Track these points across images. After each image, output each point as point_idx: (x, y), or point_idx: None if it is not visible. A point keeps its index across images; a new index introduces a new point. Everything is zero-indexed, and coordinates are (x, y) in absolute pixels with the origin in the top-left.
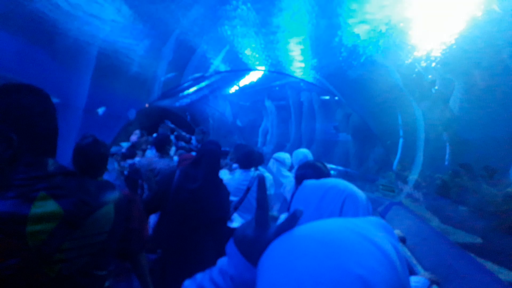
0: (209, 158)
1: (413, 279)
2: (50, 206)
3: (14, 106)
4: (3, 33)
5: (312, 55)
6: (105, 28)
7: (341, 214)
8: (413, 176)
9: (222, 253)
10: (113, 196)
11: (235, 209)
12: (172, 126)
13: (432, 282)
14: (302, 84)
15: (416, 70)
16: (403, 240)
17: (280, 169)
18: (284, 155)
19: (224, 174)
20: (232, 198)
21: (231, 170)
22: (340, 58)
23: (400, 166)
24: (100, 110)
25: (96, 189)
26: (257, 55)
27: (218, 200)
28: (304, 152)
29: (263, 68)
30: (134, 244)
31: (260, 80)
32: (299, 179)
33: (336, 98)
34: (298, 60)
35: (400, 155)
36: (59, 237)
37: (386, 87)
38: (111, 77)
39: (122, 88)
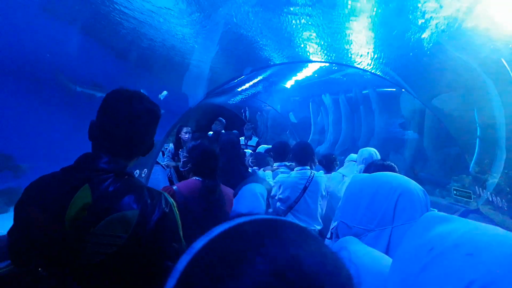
0: (227, 148)
1: None
2: (86, 197)
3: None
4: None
5: (377, 43)
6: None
7: (395, 213)
8: (494, 180)
9: None
10: (144, 202)
11: (290, 209)
12: (254, 126)
13: None
14: (364, 75)
15: (497, 58)
16: None
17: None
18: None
19: (268, 175)
20: (289, 197)
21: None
22: (410, 44)
23: (478, 168)
24: (162, 95)
25: (131, 193)
26: (316, 46)
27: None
28: (370, 151)
29: (322, 59)
30: (168, 257)
31: (317, 72)
32: None
33: (403, 90)
34: (360, 49)
35: (477, 154)
36: (86, 227)
37: (463, 78)
38: (165, 72)
39: (174, 82)
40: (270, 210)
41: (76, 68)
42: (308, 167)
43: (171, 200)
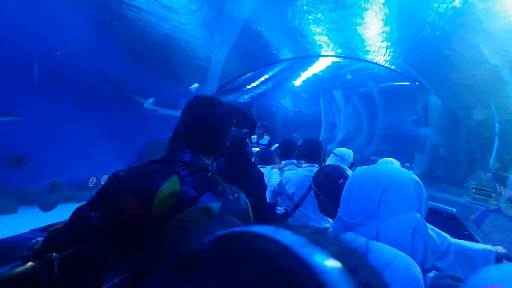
0: (232, 146)
1: (478, 246)
2: (175, 186)
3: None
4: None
5: (391, 36)
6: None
7: (379, 206)
8: None
9: None
10: (226, 197)
11: (297, 206)
12: (266, 124)
13: (502, 255)
14: (377, 70)
15: None
16: (506, 257)
17: (339, 165)
18: (345, 151)
19: (275, 173)
20: (295, 193)
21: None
22: (426, 36)
23: (498, 165)
24: (193, 88)
25: (214, 186)
26: (327, 40)
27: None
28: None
29: (333, 53)
30: None
31: (328, 67)
32: None
33: (417, 83)
34: (374, 43)
35: (496, 151)
36: (172, 213)
37: (481, 72)
38: (176, 68)
39: (185, 78)
40: (280, 208)
41: (87, 65)
42: (316, 164)
43: (246, 198)
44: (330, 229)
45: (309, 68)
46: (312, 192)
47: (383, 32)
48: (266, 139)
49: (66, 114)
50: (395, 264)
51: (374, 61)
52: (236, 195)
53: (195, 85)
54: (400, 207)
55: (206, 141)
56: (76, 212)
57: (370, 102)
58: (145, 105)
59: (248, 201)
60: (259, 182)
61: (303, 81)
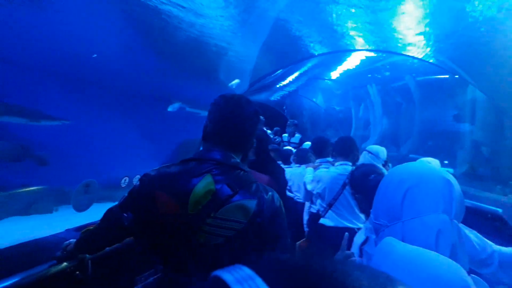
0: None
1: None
2: (209, 184)
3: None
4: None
5: (430, 28)
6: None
7: (403, 207)
8: None
9: None
10: (260, 195)
11: (330, 206)
12: (296, 122)
13: None
14: (415, 63)
15: None
16: None
17: (372, 163)
18: (379, 148)
19: (309, 172)
20: (328, 192)
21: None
22: (468, 27)
23: None
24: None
25: (248, 184)
26: (360, 33)
27: None
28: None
29: (367, 47)
30: (280, 248)
31: (362, 62)
32: None
33: (457, 77)
34: (409, 35)
35: None
36: (207, 211)
37: None
38: (207, 66)
39: (215, 78)
40: (312, 205)
41: (121, 67)
42: (350, 163)
43: (279, 197)
44: (362, 230)
45: (342, 64)
46: (345, 191)
47: (420, 23)
48: (297, 137)
49: (100, 115)
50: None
51: (411, 54)
52: (270, 193)
53: (236, 81)
54: (424, 208)
55: (235, 139)
56: (108, 213)
57: (407, 97)
58: (169, 108)
59: (281, 200)
60: (279, 178)
61: (336, 77)
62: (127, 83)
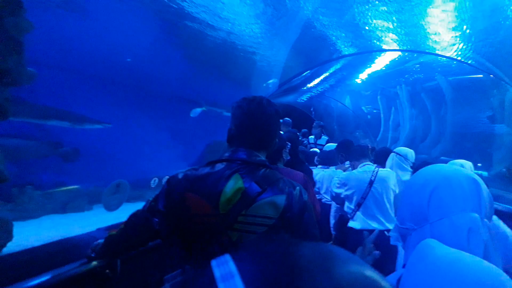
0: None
1: None
2: (238, 183)
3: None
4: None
5: (460, 24)
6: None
7: (429, 208)
8: None
9: None
10: (288, 190)
11: (359, 206)
12: (322, 124)
13: None
14: (446, 63)
15: None
16: None
17: (401, 165)
18: (407, 150)
19: (339, 174)
20: (355, 193)
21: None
22: (499, 20)
23: None
24: (270, 83)
25: (275, 181)
26: (390, 32)
27: None
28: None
29: (397, 47)
30: (310, 240)
31: (391, 63)
32: None
33: (492, 76)
34: (441, 33)
35: None
36: (238, 209)
37: None
38: (236, 68)
39: (240, 78)
40: (339, 207)
41: (152, 70)
42: (370, 163)
43: (305, 191)
44: (391, 239)
45: (371, 64)
46: (373, 190)
47: (453, 21)
48: (324, 139)
49: (130, 117)
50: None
51: (442, 54)
52: (297, 188)
53: (273, 80)
54: (452, 207)
55: (259, 139)
56: (133, 217)
57: (438, 98)
58: (191, 114)
59: (307, 194)
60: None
61: (365, 78)
62: (159, 86)
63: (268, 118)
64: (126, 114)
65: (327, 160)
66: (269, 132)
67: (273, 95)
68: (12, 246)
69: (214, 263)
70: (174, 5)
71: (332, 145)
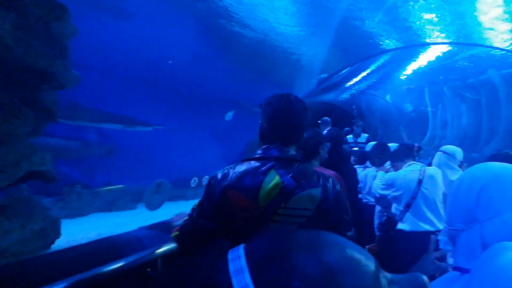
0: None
1: None
2: (275, 179)
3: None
4: None
5: None
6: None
7: (478, 207)
8: None
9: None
10: (322, 182)
11: (408, 206)
12: (361, 123)
13: None
14: (496, 53)
15: None
16: None
17: (448, 164)
18: (455, 148)
19: (379, 176)
20: (404, 193)
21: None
22: None
23: None
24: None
25: (310, 174)
26: (437, 26)
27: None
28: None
29: (443, 40)
30: (344, 226)
31: (438, 57)
32: None
33: None
34: (492, 24)
35: None
36: (277, 203)
37: None
38: (273, 65)
39: (280, 77)
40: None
41: (193, 71)
42: (415, 162)
43: (337, 182)
44: (440, 243)
45: (416, 59)
46: (423, 189)
47: (505, 11)
48: (364, 137)
49: (172, 118)
50: None
51: (495, 46)
52: (330, 179)
53: (323, 75)
54: (503, 206)
55: (289, 134)
56: (185, 228)
57: (490, 92)
58: (225, 118)
59: (339, 185)
60: (351, 176)
61: (409, 74)
62: (199, 88)
63: (297, 113)
64: (167, 115)
65: (362, 159)
66: (298, 127)
67: (313, 93)
68: (60, 243)
69: (229, 256)
70: (213, 6)
71: (373, 144)
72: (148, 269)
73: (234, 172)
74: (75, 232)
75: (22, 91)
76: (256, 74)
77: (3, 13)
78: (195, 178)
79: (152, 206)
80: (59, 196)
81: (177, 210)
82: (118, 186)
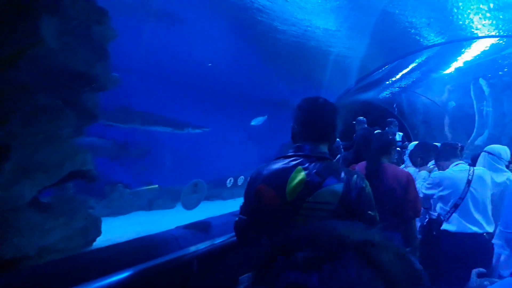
0: (358, 141)
1: None
2: (301, 175)
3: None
4: None
5: None
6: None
7: None
8: None
9: None
10: (346, 178)
11: (456, 207)
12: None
13: None
14: None
15: None
16: None
17: (493, 165)
18: (500, 148)
19: (422, 176)
20: (452, 193)
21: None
22: None
23: None
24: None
25: (334, 170)
26: (485, 20)
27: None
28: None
29: (492, 33)
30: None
31: (484, 52)
32: None
33: None
34: None
35: None
36: (302, 197)
37: None
38: (308, 63)
39: (318, 76)
40: (433, 212)
41: (230, 72)
42: (463, 161)
43: (365, 179)
44: (495, 247)
45: (462, 54)
46: (472, 190)
47: None
48: (399, 135)
49: (209, 119)
50: None
51: None
52: (354, 176)
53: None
54: None
55: (320, 134)
56: (241, 232)
57: None
58: (252, 122)
59: (367, 182)
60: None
61: (454, 70)
62: (236, 88)
63: (325, 115)
64: (204, 116)
65: (402, 159)
66: (328, 127)
67: (351, 92)
68: (100, 241)
69: None
70: (248, 4)
71: (415, 144)
72: (184, 269)
73: (267, 169)
74: (116, 230)
75: (64, 93)
76: (293, 73)
77: (47, 18)
78: (231, 178)
79: (189, 206)
80: (101, 195)
81: (214, 210)
82: (157, 186)
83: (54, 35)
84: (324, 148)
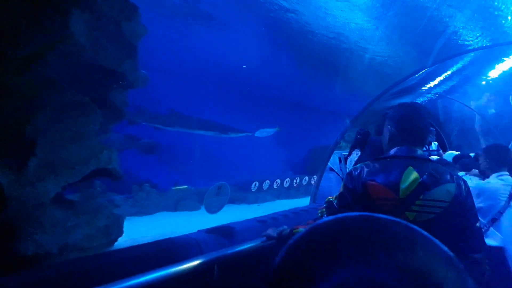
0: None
1: None
2: (414, 174)
3: (398, 113)
4: None
5: None
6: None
7: None
8: None
9: None
10: (456, 180)
11: (493, 221)
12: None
13: None
14: None
15: None
16: None
17: None
18: None
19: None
20: (492, 206)
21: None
22: None
23: None
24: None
25: (442, 172)
26: None
27: None
28: None
29: None
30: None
31: None
32: None
33: None
34: None
35: None
36: (416, 194)
37: None
38: (338, 69)
39: (352, 81)
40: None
41: (261, 75)
42: (507, 173)
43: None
44: None
45: (503, 61)
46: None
47: None
48: (434, 144)
49: (238, 122)
50: None
51: None
52: (461, 178)
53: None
54: None
55: (417, 137)
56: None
57: None
58: (256, 134)
59: (469, 187)
60: None
61: (497, 76)
62: (266, 91)
63: (422, 119)
64: (233, 119)
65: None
66: (424, 131)
67: (383, 98)
68: (121, 241)
69: None
70: (277, 6)
71: (452, 153)
72: (205, 275)
73: (372, 168)
74: (139, 230)
75: (92, 90)
76: (324, 76)
77: (78, 13)
78: (256, 182)
79: (212, 209)
80: (129, 194)
81: (239, 213)
82: (183, 187)
83: (84, 30)
84: (420, 150)
